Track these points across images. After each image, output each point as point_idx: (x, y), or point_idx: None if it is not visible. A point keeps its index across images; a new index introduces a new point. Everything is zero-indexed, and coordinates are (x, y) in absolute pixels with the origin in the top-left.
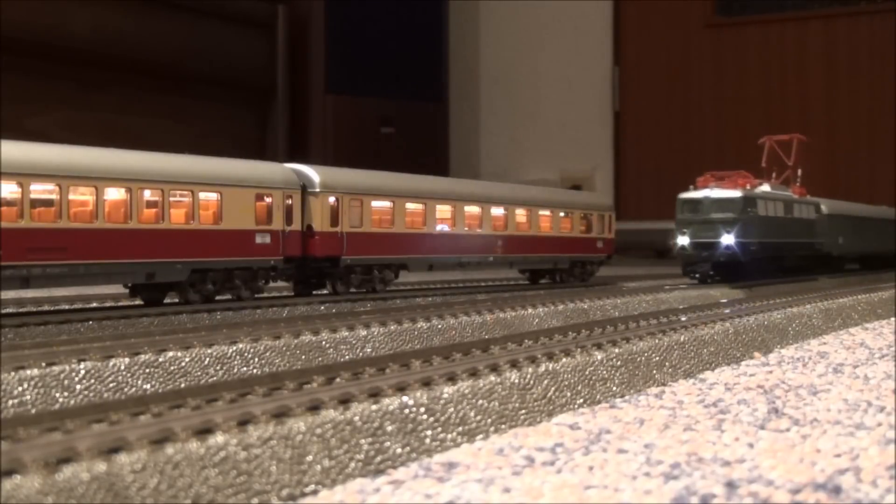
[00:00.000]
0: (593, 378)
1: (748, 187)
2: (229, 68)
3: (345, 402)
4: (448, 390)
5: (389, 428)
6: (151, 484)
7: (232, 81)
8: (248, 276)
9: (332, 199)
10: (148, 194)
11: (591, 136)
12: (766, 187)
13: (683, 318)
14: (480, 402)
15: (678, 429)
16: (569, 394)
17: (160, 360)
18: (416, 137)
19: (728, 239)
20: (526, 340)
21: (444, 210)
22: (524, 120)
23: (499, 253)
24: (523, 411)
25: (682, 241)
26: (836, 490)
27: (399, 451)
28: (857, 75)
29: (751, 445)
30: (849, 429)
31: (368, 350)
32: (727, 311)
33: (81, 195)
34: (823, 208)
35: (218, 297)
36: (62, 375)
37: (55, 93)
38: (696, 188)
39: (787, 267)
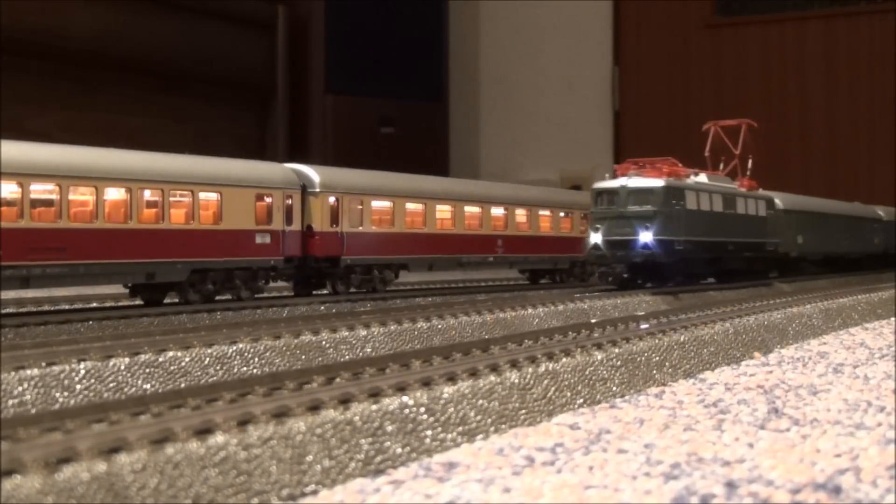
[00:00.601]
0: (593, 378)
1: (677, 177)
2: (229, 68)
3: (345, 402)
4: (448, 390)
5: (389, 428)
6: (151, 484)
7: (232, 81)
8: (248, 276)
9: (332, 199)
10: (148, 194)
11: (591, 136)
12: (702, 177)
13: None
14: (480, 402)
15: (678, 429)
16: (569, 394)
17: (160, 360)
18: (416, 137)
19: (646, 236)
20: (526, 340)
21: (443, 210)
22: (524, 120)
23: (499, 253)
24: (523, 411)
25: (595, 238)
26: (836, 490)
27: (399, 451)
28: (857, 75)
29: (751, 445)
30: (849, 429)
31: (368, 350)
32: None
33: (81, 195)
34: (778, 203)
35: (218, 297)
36: (62, 375)
37: (55, 93)
38: (614, 176)
39: (727, 270)
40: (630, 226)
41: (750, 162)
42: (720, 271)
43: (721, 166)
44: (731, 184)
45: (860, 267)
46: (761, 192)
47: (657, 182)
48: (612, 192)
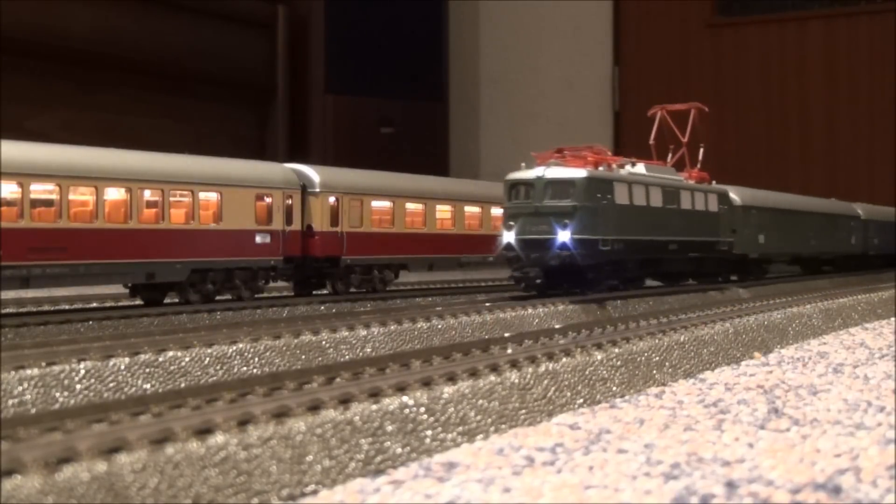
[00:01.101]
0: (593, 378)
1: (605, 166)
2: (229, 68)
3: (345, 402)
4: (448, 390)
5: (389, 428)
6: (151, 484)
7: (232, 81)
8: (248, 276)
9: (332, 199)
10: (148, 194)
11: (591, 136)
12: (639, 168)
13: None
14: (480, 402)
15: (678, 429)
16: (569, 394)
17: (160, 360)
18: (416, 137)
19: (564, 235)
20: (526, 340)
21: (444, 210)
22: (524, 120)
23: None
24: (523, 411)
25: (508, 237)
26: (836, 490)
27: (399, 450)
28: (857, 75)
29: (751, 445)
30: (849, 429)
31: (368, 350)
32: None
33: (81, 195)
34: (735, 198)
35: (218, 297)
36: (62, 375)
37: (55, 93)
38: (531, 166)
39: (669, 273)
40: (547, 223)
41: (701, 151)
42: (661, 274)
43: (669, 157)
44: (675, 175)
45: (836, 269)
46: (714, 185)
47: (578, 172)
48: (527, 184)
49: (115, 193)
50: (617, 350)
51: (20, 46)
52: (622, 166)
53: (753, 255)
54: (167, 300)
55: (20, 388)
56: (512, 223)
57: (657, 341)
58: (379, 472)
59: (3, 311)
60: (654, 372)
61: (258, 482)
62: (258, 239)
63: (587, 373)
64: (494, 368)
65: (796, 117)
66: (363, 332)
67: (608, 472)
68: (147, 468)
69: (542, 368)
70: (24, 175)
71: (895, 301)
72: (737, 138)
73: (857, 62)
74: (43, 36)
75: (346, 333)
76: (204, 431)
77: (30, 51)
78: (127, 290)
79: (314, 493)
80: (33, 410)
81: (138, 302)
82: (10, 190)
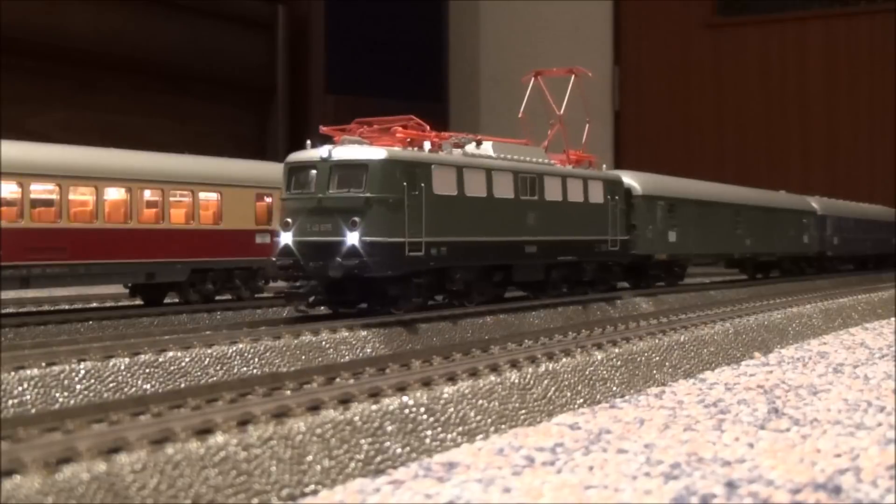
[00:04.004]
0: (593, 378)
1: (419, 145)
2: (229, 68)
3: (345, 402)
4: (448, 390)
5: (389, 428)
6: (151, 484)
7: (232, 81)
8: (248, 276)
9: None
10: (148, 194)
11: (592, 136)
12: (486, 147)
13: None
14: (480, 402)
15: (678, 429)
16: (569, 394)
17: (160, 360)
18: None
19: (352, 237)
20: (526, 340)
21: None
22: None
23: None
24: (523, 411)
25: (286, 238)
26: (836, 490)
27: (399, 451)
28: (857, 75)
29: (751, 445)
30: (849, 429)
31: (368, 350)
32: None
33: (81, 195)
34: (634, 187)
35: (218, 297)
36: (62, 375)
37: (55, 93)
38: (319, 144)
39: (528, 282)
40: (332, 221)
41: (586, 129)
42: (515, 284)
43: (549, 135)
44: (542, 157)
45: (784, 273)
46: (604, 171)
47: (374, 153)
48: (308, 169)
49: (115, 193)
50: (617, 350)
51: (20, 46)
52: (459, 145)
53: (661, 257)
54: (167, 300)
55: (20, 389)
56: (290, 220)
57: (657, 341)
58: (379, 472)
59: (3, 311)
60: (654, 372)
61: (258, 482)
62: (258, 239)
63: (587, 373)
64: (494, 368)
65: (796, 117)
66: (363, 333)
67: (608, 472)
68: (147, 468)
69: (542, 368)
70: (24, 175)
71: (895, 301)
72: (737, 138)
73: (857, 62)
74: (43, 36)
75: (346, 334)
76: (204, 431)
77: (30, 51)
78: (127, 290)
79: (314, 493)
80: (33, 410)
81: (138, 302)
82: (10, 190)
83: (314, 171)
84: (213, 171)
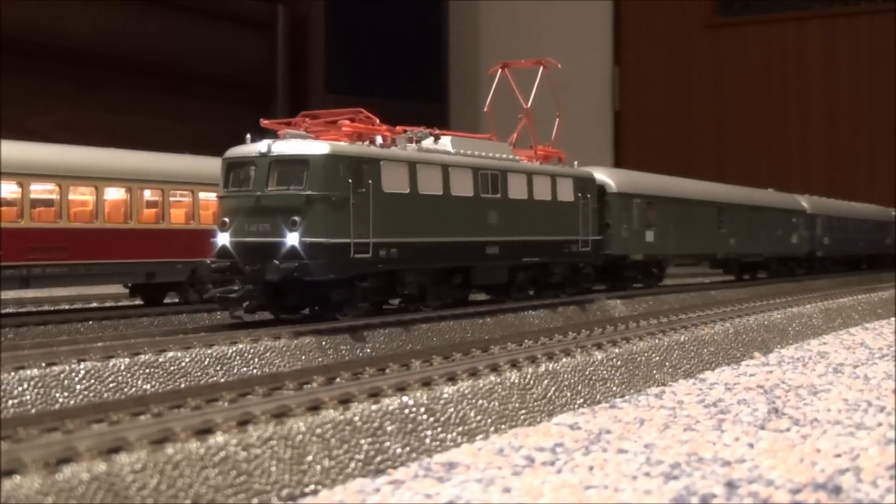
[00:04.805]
0: (593, 378)
1: (368, 139)
2: (229, 68)
3: (345, 402)
4: (448, 390)
5: (389, 428)
6: (151, 484)
7: (232, 81)
8: None
9: None
10: (148, 194)
11: (592, 136)
12: (444, 142)
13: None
14: (480, 402)
15: (678, 429)
16: (569, 394)
17: (160, 360)
18: None
19: (293, 238)
20: (526, 340)
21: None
22: None
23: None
24: (523, 411)
25: (223, 239)
26: (836, 490)
27: (399, 451)
28: (857, 75)
29: (751, 445)
30: (849, 429)
31: (368, 350)
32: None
33: (81, 195)
34: (609, 184)
35: None
36: (62, 375)
37: (55, 93)
38: (259, 138)
39: (491, 286)
40: (271, 220)
41: (556, 124)
42: (476, 287)
43: (516, 130)
44: (506, 154)
45: (772, 274)
46: (577, 168)
47: (316, 148)
48: (247, 165)
49: (115, 193)
50: (617, 350)
51: (20, 46)
52: (415, 140)
53: (637, 257)
54: (167, 300)
55: (20, 389)
56: (227, 220)
57: (657, 341)
58: (379, 472)
59: (3, 311)
60: (654, 372)
61: (258, 482)
62: None
63: (587, 373)
64: (494, 368)
65: (796, 117)
66: (363, 333)
67: (608, 472)
68: (147, 468)
69: (542, 368)
70: (24, 175)
71: (895, 301)
72: (737, 138)
73: (857, 62)
74: (43, 36)
75: (346, 334)
76: (204, 431)
77: (30, 51)
78: (127, 290)
79: (314, 493)
80: (33, 411)
81: (138, 302)
82: (10, 190)
83: (253, 168)
84: (213, 171)
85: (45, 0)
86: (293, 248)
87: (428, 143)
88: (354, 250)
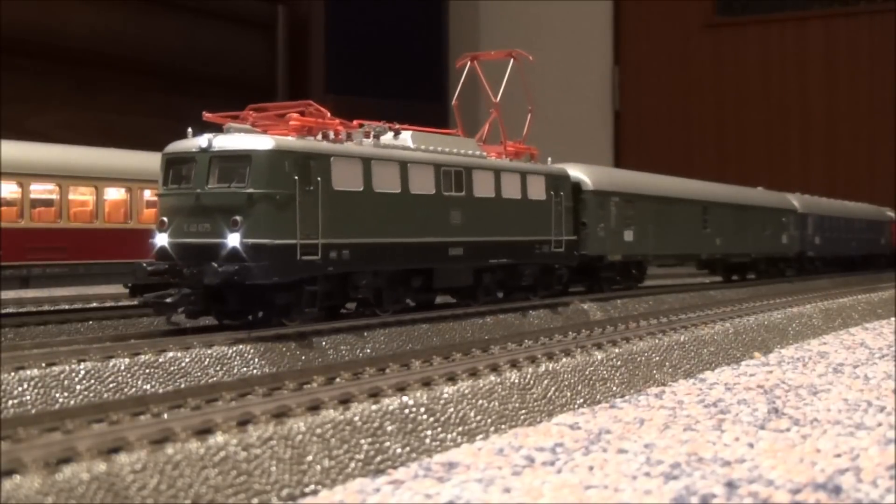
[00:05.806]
0: (593, 378)
1: (320, 133)
2: (229, 68)
3: (345, 402)
4: (448, 390)
5: (389, 428)
6: (151, 484)
7: (232, 81)
8: None
9: None
10: (148, 194)
11: (591, 136)
12: (404, 137)
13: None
14: (480, 402)
15: (678, 429)
16: (569, 394)
17: (160, 360)
18: None
19: (233, 239)
20: (526, 340)
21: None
22: None
23: None
24: (523, 411)
25: (161, 240)
26: (836, 490)
27: (399, 451)
28: (857, 75)
29: (751, 445)
30: (849, 429)
31: (368, 350)
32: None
33: (81, 195)
34: (584, 181)
35: None
36: (62, 375)
37: (55, 93)
38: (199, 133)
39: (455, 289)
40: (211, 220)
41: (528, 119)
42: (438, 290)
43: (486, 125)
44: (473, 150)
45: (759, 273)
46: (550, 165)
47: (259, 143)
48: (187, 161)
49: (115, 193)
50: (617, 350)
51: (20, 46)
52: (372, 135)
53: (614, 258)
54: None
55: (20, 389)
56: (165, 219)
57: (657, 341)
58: (379, 472)
59: (3, 311)
60: (654, 372)
61: (258, 482)
62: None
63: (587, 373)
64: (494, 368)
65: (796, 117)
66: (363, 333)
67: (608, 472)
68: (147, 468)
69: (542, 368)
70: (24, 175)
71: (895, 301)
72: (737, 138)
73: (857, 62)
74: (43, 36)
75: (346, 334)
76: (204, 431)
77: (30, 51)
78: (127, 290)
79: (314, 493)
80: (33, 411)
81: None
82: (10, 190)
83: (193, 164)
84: None
85: (45, 0)
86: (234, 249)
87: (387, 138)
88: (301, 252)
